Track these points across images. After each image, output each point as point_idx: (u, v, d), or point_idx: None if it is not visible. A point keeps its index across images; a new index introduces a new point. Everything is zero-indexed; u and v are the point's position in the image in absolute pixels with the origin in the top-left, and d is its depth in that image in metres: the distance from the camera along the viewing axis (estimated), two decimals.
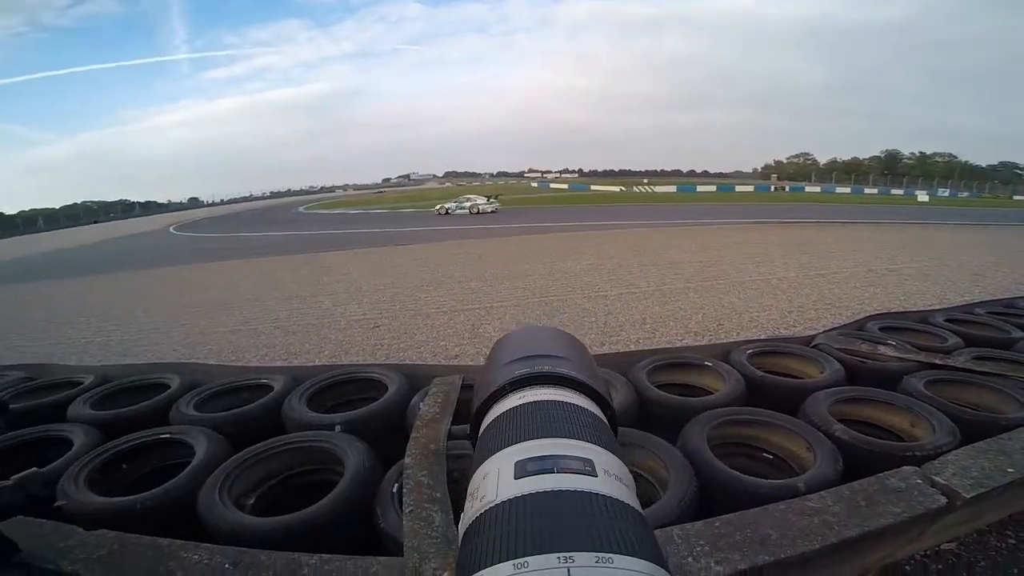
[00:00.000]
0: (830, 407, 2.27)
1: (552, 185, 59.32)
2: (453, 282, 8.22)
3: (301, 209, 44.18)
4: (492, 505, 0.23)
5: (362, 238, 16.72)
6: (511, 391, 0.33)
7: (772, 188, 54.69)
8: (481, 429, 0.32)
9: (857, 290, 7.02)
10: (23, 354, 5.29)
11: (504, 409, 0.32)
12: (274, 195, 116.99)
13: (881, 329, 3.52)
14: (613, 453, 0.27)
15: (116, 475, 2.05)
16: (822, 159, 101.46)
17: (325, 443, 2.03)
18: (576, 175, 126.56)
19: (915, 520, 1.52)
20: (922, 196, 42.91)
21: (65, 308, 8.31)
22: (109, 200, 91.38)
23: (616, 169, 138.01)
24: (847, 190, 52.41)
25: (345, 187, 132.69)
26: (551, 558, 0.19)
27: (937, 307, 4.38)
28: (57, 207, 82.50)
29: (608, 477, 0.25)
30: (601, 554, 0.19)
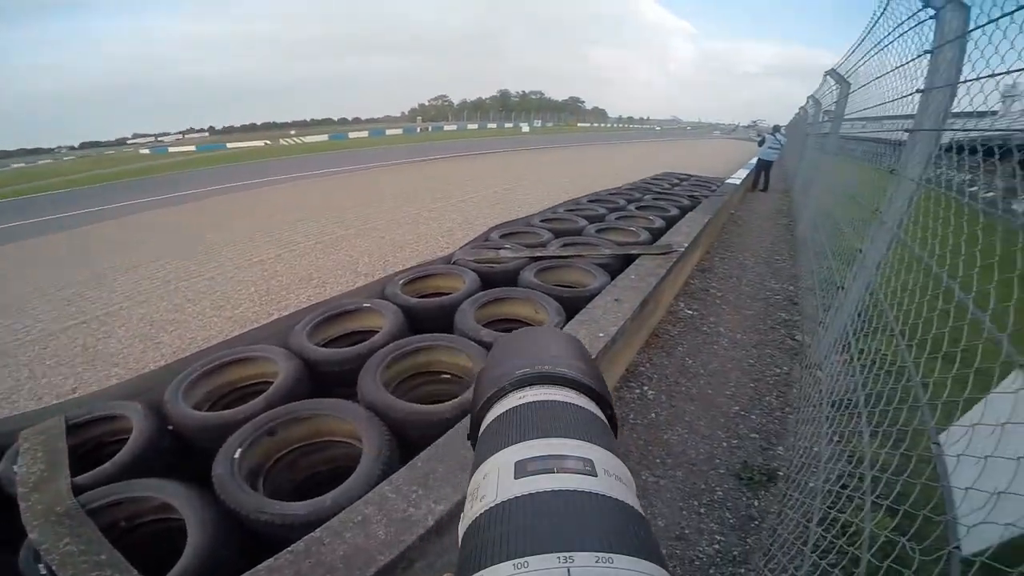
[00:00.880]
0: (475, 314, 2.67)
1: (173, 150, 46.01)
2: None
3: None
4: (492, 505, 0.23)
5: None
6: (511, 391, 0.33)
7: (418, 129, 59.94)
8: (481, 429, 0.32)
9: (488, 208, 8.85)
10: None
11: (504, 409, 0.31)
12: None
13: (501, 236, 4.43)
14: (613, 453, 0.27)
15: None
16: (456, 100, 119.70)
17: None
18: (206, 134, 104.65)
19: None
20: (524, 127, 57.81)
21: None
22: None
23: (259, 123, 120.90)
24: (475, 126, 62.74)
25: None
26: (551, 558, 0.19)
27: (536, 212, 5.80)
28: None
29: (608, 477, 0.25)
30: (601, 554, 0.19)
